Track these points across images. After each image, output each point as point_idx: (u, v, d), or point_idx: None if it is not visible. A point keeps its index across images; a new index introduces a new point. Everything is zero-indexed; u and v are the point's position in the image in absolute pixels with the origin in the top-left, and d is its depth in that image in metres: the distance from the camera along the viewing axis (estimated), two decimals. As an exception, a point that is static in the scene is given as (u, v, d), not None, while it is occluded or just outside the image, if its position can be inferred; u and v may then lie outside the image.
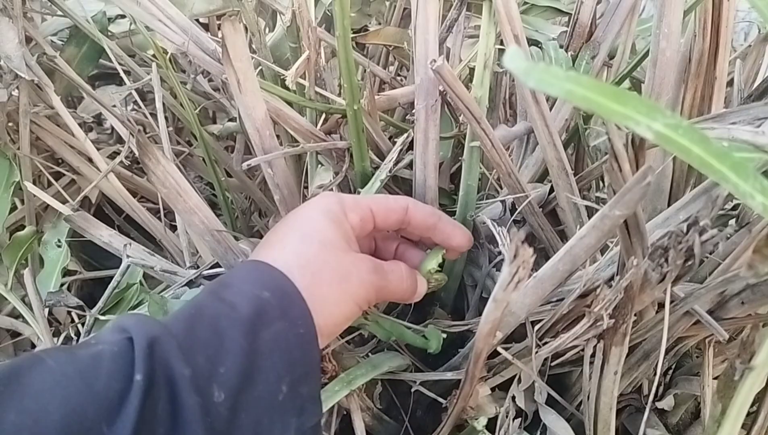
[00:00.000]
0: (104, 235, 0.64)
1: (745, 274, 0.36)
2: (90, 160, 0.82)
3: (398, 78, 0.91)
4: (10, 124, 0.82)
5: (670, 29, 0.58)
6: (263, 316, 0.40)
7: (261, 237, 1.00)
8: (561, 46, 0.66)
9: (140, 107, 0.87)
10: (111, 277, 0.63)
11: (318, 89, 0.64)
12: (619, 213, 0.41)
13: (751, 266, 0.36)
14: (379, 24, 0.97)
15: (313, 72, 0.62)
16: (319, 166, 0.63)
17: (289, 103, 0.63)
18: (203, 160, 0.93)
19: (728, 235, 0.45)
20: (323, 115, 0.65)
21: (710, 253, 0.48)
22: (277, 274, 0.43)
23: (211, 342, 0.38)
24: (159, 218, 0.77)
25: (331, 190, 0.62)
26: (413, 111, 0.63)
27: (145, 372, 0.34)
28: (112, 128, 0.88)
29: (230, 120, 0.88)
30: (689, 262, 0.41)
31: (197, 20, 0.86)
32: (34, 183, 0.79)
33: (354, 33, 0.93)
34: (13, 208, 0.80)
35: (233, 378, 0.38)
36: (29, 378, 0.32)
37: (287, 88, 0.62)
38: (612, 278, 0.50)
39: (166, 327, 0.38)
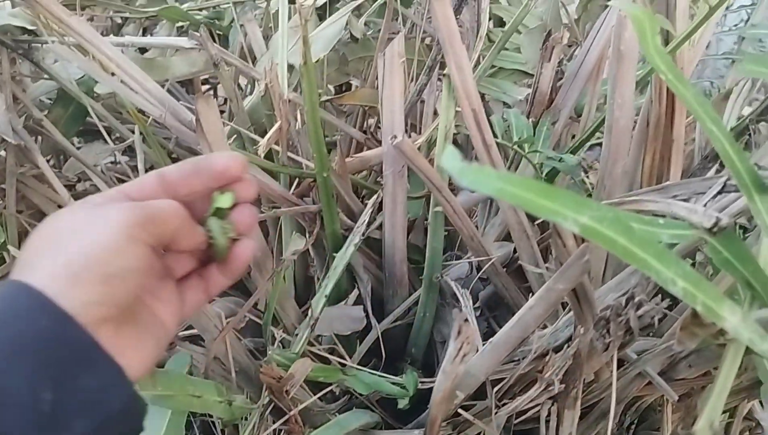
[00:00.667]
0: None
1: (676, 348, 0.39)
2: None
3: (374, 136, 0.94)
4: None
5: (623, 99, 0.61)
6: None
7: (244, 287, 1.02)
8: (522, 112, 0.70)
9: (123, 163, 0.89)
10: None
11: (291, 154, 0.67)
12: (562, 287, 0.44)
13: (680, 342, 0.38)
14: (358, 80, 1.01)
15: (286, 140, 0.65)
16: (293, 233, 0.66)
17: (264, 169, 0.66)
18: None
19: (665, 308, 0.47)
20: (296, 179, 0.68)
21: (649, 325, 0.50)
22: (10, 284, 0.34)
23: None
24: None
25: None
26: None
27: None
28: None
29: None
30: (629, 333, 0.44)
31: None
32: (19, 240, 0.81)
33: (334, 93, 0.96)
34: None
35: None
36: None
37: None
38: (570, 339, 0.52)
39: None
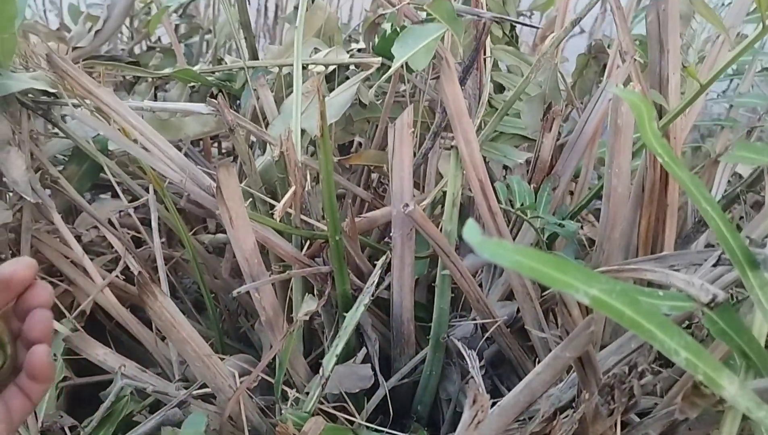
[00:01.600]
0: (99, 354, 0.68)
1: (678, 417, 0.41)
2: (86, 271, 0.86)
3: (378, 192, 0.97)
4: (11, 235, 0.87)
5: (620, 169, 0.64)
6: None
7: (246, 338, 1.04)
8: (522, 176, 0.73)
9: (134, 217, 0.92)
10: (100, 383, 0.66)
11: (303, 216, 0.70)
12: (569, 355, 0.46)
13: (682, 411, 0.40)
14: (363, 138, 1.04)
15: (300, 203, 0.67)
16: (306, 293, 0.68)
17: (277, 230, 0.68)
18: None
19: (669, 376, 0.50)
20: (308, 241, 0.70)
21: (651, 391, 0.52)
22: None
23: None
24: (150, 329, 0.81)
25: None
26: (391, 233, 0.68)
27: None
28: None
29: (220, 231, 0.94)
30: (633, 399, 0.46)
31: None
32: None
33: (338, 152, 1.00)
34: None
35: None
36: None
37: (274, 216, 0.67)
38: (573, 400, 0.55)
39: None
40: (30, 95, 0.80)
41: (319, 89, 0.58)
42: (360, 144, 1.11)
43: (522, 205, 0.67)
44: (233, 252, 0.98)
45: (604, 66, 0.94)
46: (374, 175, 1.04)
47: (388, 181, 1.04)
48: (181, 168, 0.64)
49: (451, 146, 0.62)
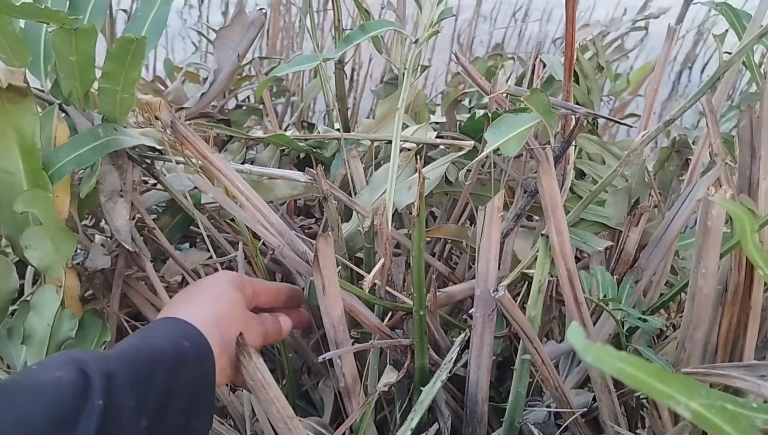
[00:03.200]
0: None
1: None
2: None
3: (449, 264, 0.99)
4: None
5: (707, 270, 0.65)
6: (183, 362, 0.52)
7: (309, 398, 1.05)
8: (601, 262, 0.74)
9: (219, 267, 0.96)
10: None
11: (387, 287, 0.72)
12: (659, 459, 0.46)
13: None
14: (439, 210, 1.07)
15: (386, 275, 0.70)
16: (387, 365, 0.70)
17: (363, 299, 0.71)
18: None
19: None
20: (389, 311, 0.73)
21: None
22: (194, 329, 0.55)
23: (146, 379, 0.49)
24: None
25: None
26: (470, 311, 0.70)
27: (104, 398, 0.45)
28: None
29: (296, 290, 0.97)
30: None
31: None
32: (118, 336, 0.87)
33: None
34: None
35: (155, 409, 0.49)
36: (11, 394, 0.43)
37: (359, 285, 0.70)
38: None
39: (116, 364, 0.48)
40: (137, 149, 0.86)
41: (419, 172, 0.61)
42: (433, 214, 1.14)
43: (605, 296, 0.68)
44: (307, 311, 1.01)
45: (686, 160, 0.95)
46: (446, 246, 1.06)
47: (460, 253, 1.06)
48: (279, 233, 0.68)
49: (542, 234, 0.64)
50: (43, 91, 0.77)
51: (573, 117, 0.73)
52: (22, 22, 0.79)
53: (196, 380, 0.53)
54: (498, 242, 0.68)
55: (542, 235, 0.64)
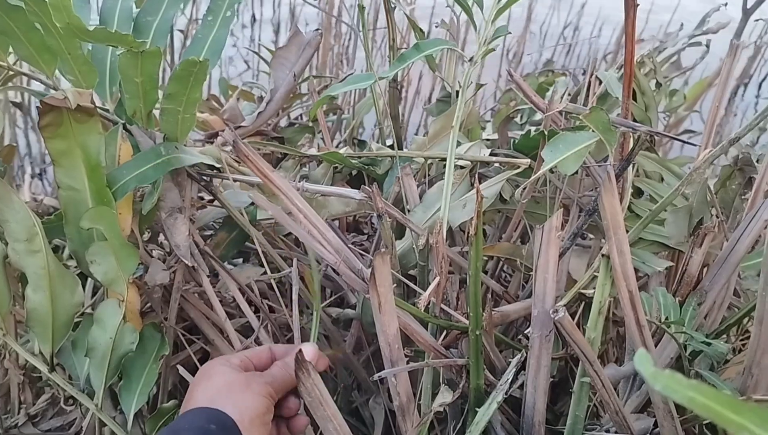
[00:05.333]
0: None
1: None
2: (222, 331, 0.92)
3: (502, 283, 0.98)
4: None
5: (775, 293, 0.63)
6: None
7: (359, 414, 1.05)
8: (661, 283, 0.72)
9: (273, 283, 0.97)
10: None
11: (442, 305, 0.72)
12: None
13: None
14: (492, 228, 1.07)
15: (441, 294, 0.70)
16: (442, 385, 0.69)
17: (418, 317, 0.71)
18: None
19: None
20: (444, 330, 0.72)
21: None
22: (215, 411, 0.58)
23: None
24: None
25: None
26: (523, 329, 0.69)
27: None
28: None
29: (349, 307, 0.97)
30: None
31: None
32: (174, 350, 0.88)
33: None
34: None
35: None
36: None
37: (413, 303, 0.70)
38: None
39: None
40: (196, 167, 0.88)
41: (478, 191, 0.61)
42: (485, 231, 1.14)
43: (667, 318, 0.66)
44: (358, 328, 1.02)
45: (749, 179, 0.93)
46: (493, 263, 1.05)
47: (512, 271, 1.05)
48: (336, 250, 0.68)
49: (603, 254, 0.63)
50: (107, 111, 0.80)
51: (632, 135, 0.72)
52: (89, 45, 0.82)
53: None
54: (556, 262, 0.67)
55: (603, 254, 0.63)
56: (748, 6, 1.72)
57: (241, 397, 0.60)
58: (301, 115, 1.46)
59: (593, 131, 0.68)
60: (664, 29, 3.00)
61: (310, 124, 1.29)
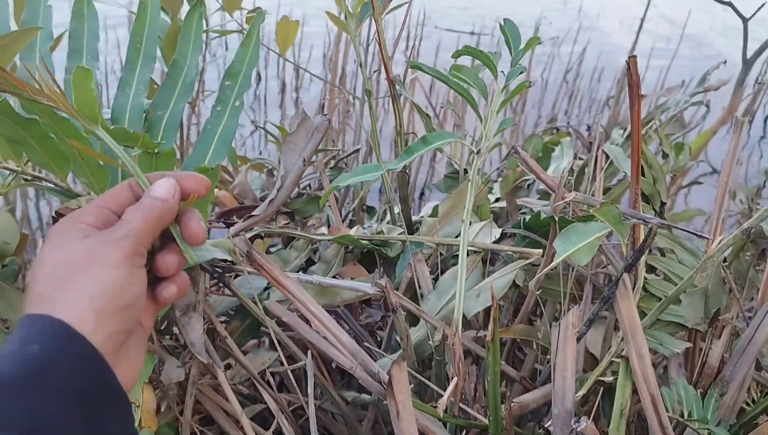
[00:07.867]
0: None
1: None
2: (237, 422, 0.91)
3: (519, 360, 0.97)
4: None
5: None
6: (38, 373, 0.38)
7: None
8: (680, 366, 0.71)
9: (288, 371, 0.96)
10: None
11: (461, 404, 0.71)
12: None
13: None
14: (504, 302, 1.06)
15: (459, 394, 0.69)
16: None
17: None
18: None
19: None
20: (464, 429, 0.71)
21: None
22: (39, 320, 0.41)
23: None
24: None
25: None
26: (541, 412, 0.68)
27: None
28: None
29: (364, 391, 0.96)
30: None
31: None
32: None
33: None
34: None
35: None
36: None
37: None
38: None
39: None
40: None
41: (493, 298, 0.61)
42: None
43: (690, 414, 0.65)
44: (375, 411, 1.01)
45: (763, 251, 0.92)
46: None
47: (524, 348, 1.04)
48: (352, 353, 0.68)
49: (621, 355, 0.62)
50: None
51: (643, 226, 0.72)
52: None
53: (68, 377, 0.39)
54: (574, 361, 0.66)
55: (622, 356, 0.62)
56: (748, 57, 1.74)
57: (83, 279, 0.42)
58: (309, 184, 1.47)
59: (604, 223, 0.69)
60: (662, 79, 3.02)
61: (320, 193, 1.30)
